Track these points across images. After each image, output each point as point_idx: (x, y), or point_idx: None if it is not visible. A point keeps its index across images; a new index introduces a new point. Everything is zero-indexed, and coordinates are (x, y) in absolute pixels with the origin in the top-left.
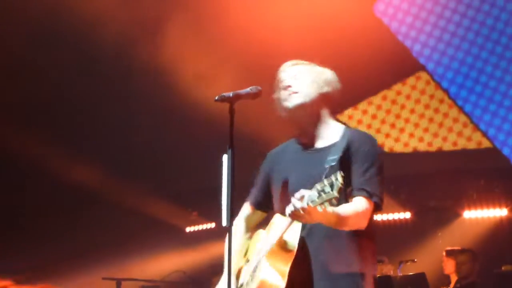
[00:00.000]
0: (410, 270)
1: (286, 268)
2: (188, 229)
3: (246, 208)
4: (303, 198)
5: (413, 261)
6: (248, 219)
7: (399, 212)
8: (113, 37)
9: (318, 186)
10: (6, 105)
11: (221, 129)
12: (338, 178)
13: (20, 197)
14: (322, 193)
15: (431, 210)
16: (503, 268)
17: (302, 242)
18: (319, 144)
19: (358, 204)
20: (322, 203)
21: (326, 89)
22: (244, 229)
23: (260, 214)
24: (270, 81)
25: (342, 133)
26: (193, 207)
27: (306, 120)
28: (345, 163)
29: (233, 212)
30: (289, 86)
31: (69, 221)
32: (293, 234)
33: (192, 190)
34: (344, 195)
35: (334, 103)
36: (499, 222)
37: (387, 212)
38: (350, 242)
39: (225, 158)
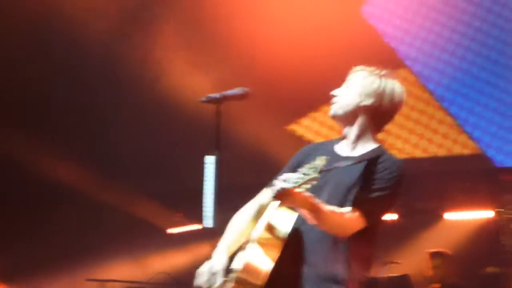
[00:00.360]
0: (394, 271)
1: (273, 254)
2: (173, 230)
3: (265, 194)
4: (286, 180)
5: (397, 262)
6: (262, 205)
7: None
8: (98, 35)
9: (302, 170)
10: None
11: (208, 129)
12: (321, 161)
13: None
14: (304, 175)
15: (416, 212)
16: (487, 270)
17: (298, 234)
18: (350, 154)
19: (348, 213)
20: (302, 184)
21: (368, 101)
22: (254, 212)
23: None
24: (256, 82)
25: (374, 149)
26: (178, 208)
27: (343, 129)
28: (365, 176)
29: (218, 214)
30: (334, 96)
31: (50, 221)
32: (285, 222)
33: (177, 191)
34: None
35: (382, 116)
36: (484, 224)
37: None
38: (345, 248)
39: (209, 159)
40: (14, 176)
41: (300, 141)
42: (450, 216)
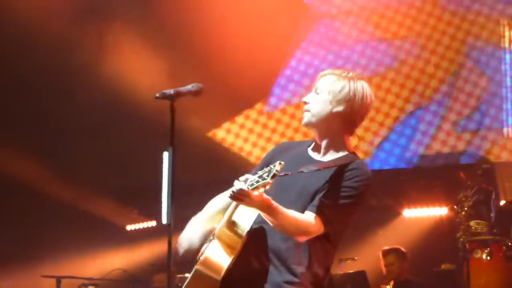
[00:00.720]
0: (350, 268)
1: (232, 250)
2: (129, 227)
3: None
4: (246, 181)
5: (353, 259)
6: None
7: None
8: (56, 30)
9: (260, 172)
10: None
11: (163, 126)
12: (276, 166)
13: None
14: (260, 179)
15: (372, 209)
16: (442, 267)
17: (261, 231)
18: (322, 158)
19: (306, 219)
20: (258, 187)
21: (339, 108)
22: (224, 202)
23: None
24: (210, 77)
25: (345, 155)
26: (133, 205)
27: (316, 135)
28: (330, 182)
29: (173, 211)
30: (306, 103)
31: (5, 216)
32: (246, 219)
33: (132, 188)
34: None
35: (353, 120)
36: (439, 221)
37: None
38: (305, 249)
39: (165, 155)
40: None
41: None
42: (406, 213)
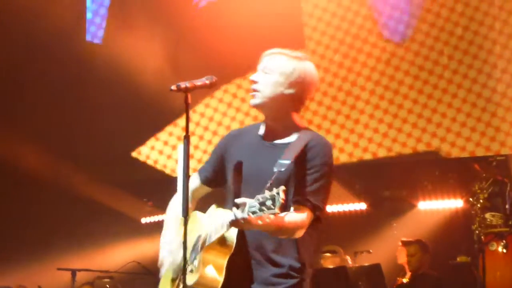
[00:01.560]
0: (365, 260)
1: (224, 261)
2: (144, 220)
3: (195, 180)
4: (244, 206)
5: (368, 251)
6: (194, 192)
7: (354, 203)
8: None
9: (260, 198)
10: None
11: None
12: (280, 194)
13: None
14: (263, 207)
15: (386, 201)
16: (458, 259)
17: (240, 234)
18: (276, 140)
19: (300, 216)
20: (262, 217)
21: (291, 90)
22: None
23: (206, 189)
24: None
25: (300, 134)
26: (148, 197)
27: (267, 116)
28: (297, 167)
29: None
30: (254, 82)
31: (21, 211)
32: (232, 230)
33: (146, 180)
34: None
35: (302, 100)
36: (454, 213)
37: (342, 203)
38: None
39: (180, 147)
40: None
41: None
42: (421, 205)
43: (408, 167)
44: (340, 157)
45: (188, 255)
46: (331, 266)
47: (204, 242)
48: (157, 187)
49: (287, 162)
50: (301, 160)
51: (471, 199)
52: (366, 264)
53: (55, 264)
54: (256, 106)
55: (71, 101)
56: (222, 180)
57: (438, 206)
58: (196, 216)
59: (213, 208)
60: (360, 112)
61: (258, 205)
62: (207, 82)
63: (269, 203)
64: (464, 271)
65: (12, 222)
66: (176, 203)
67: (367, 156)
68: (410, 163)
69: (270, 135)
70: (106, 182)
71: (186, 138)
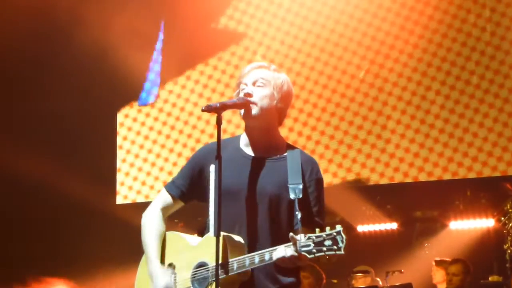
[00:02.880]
0: (397, 280)
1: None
2: None
3: (165, 198)
4: (294, 244)
5: (400, 271)
6: (164, 209)
7: (385, 223)
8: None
9: (313, 237)
10: None
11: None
12: (342, 234)
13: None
14: (321, 247)
15: (418, 221)
16: (490, 278)
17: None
18: (266, 154)
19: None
20: (319, 258)
21: (280, 104)
22: (161, 220)
23: (180, 204)
24: None
25: (288, 150)
26: (178, 218)
27: (257, 129)
28: (303, 190)
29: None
30: (250, 95)
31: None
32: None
33: None
34: (289, 218)
35: (285, 112)
36: (485, 233)
37: (374, 223)
38: None
39: (212, 168)
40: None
41: None
42: (453, 225)
43: (439, 187)
44: (372, 177)
45: (185, 277)
46: (362, 286)
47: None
48: (186, 209)
49: (300, 186)
50: (302, 177)
51: (502, 218)
52: (398, 283)
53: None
54: (254, 117)
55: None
56: (198, 195)
57: (469, 225)
58: (181, 237)
59: (209, 235)
60: (391, 132)
61: (313, 245)
62: (238, 102)
63: (328, 243)
64: None
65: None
66: (151, 219)
67: (398, 177)
68: (442, 183)
69: (257, 149)
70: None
71: (218, 159)
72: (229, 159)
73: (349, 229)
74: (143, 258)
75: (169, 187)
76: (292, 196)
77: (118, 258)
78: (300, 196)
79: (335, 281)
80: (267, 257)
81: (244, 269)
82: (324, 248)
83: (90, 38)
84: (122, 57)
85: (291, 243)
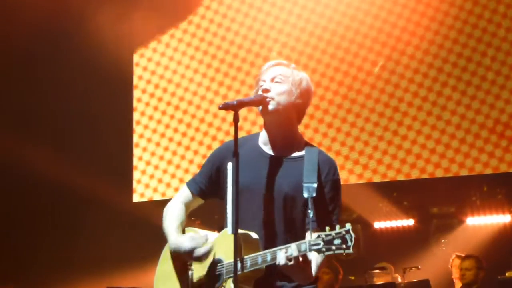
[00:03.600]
0: (414, 277)
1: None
2: None
3: (186, 193)
4: (303, 242)
5: (417, 268)
6: (185, 204)
7: (402, 219)
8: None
9: (323, 235)
10: None
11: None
12: (351, 233)
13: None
14: (331, 245)
15: (434, 217)
16: (507, 274)
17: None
18: (283, 153)
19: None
20: (330, 257)
21: (299, 100)
22: (182, 211)
23: (199, 201)
24: None
25: (307, 148)
26: (195, 216)
27: (275, 126)
28: (317, 189)
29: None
30: (267, 90)
31: (69, 228)
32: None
33: None
34: (305, 218)
35: (304, 110)
36: (502, 228)
37: (390, 219)
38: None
39: (229, 166)
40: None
41: None
42: (470, 221)
43: (456, 183)
44: (388, 173)
45: (200, 273)
46: (379, 283)
47: (231, 270)
48: (203, 206)
49: (314, 185)
50: (318, 178)
51: None
52: (415, 280)
53: (104, 282)
54: (272, 112)
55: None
56: (217, 192)
57: (486, 221)
58: (199, 233)
59: (225, 231)
60: (408, 128)
61: (322, 243)
62: (255, 99)
63: (337, 242)
64: None
65: (65, 240)
66: (173, 212)
67: (415, 174)
68: (458, 179)
69: (276, 147)
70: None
71: (235, 156)
72: (247, 157)
73: (366, 225)
74: (162, 254)
75: (190, 184)
76: (305, 194)
77: (138, 257)
78: (314, 195)
79: (352, 277)
80: (278, 254)
81: (257, 267)
82: (333, 247)
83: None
84: None
85: (303, 241)
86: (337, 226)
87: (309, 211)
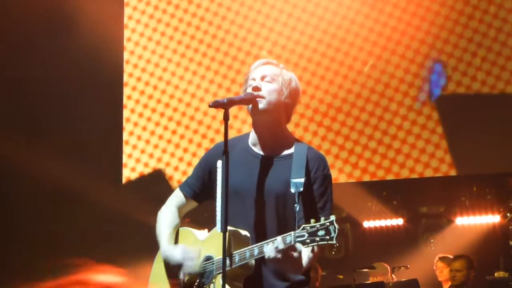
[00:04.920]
0: (403, 276)
1: (241, 285)
2: None
3: (179, 197)
4: (289, 235)
5: (406, 267)
6: (179, 207)
7: (391, 219)
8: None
9: (307, 227)
10: None
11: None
12: (335, 225)
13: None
14: (315, 237)
15: (424, 217)
16: (496, 274)
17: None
18: (273, 152)
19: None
20: (314, 248)
21: (288, 100)
22: (174, 215)
23: (193, 204)
24: None
25: (296, 145)
26: (185, 214)
27: (265, 125)
28: (307, 185)
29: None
30: (258, 89)
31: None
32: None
33: None
34: (294, 214)
35: (292, 109)
36: (491, 229)
37: (380, 219)
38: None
39: (219, 164)
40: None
41: None
42: (459, 221)
43: (445, 183)
44: (378, 173)
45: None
46: (367, 282)
47: (220, 267)
48: None
49: (302, 180)
50: (306, 174)
51: (508, 214)
52: (404, 279)
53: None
54: (262, 112)
55: None
56: (210, 195)
57: (475, 221)
58: (191, 232)
59: (216, 230)
60: (398, 128)
61: (307, 235)
62: (245, 97)
63: (321, 233)
64: (502, 286)
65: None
66: (166, 217)
67: (404, 173)
68: (448, 179)
69: (266, 147)
70: (145, 200)
71: (225, 155)
72: (238, 159)
73: (355, 225)
74: (159, 252)
75: (182, 187)
76: (293, 190)
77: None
78: (301, 189)
79: (341, 276)
80: (265, 248)
81: (245, 261)
82: (317, 238)
83: None
84: None
85: (288, 233)
86: (322, 218)
87: (295, 205)
